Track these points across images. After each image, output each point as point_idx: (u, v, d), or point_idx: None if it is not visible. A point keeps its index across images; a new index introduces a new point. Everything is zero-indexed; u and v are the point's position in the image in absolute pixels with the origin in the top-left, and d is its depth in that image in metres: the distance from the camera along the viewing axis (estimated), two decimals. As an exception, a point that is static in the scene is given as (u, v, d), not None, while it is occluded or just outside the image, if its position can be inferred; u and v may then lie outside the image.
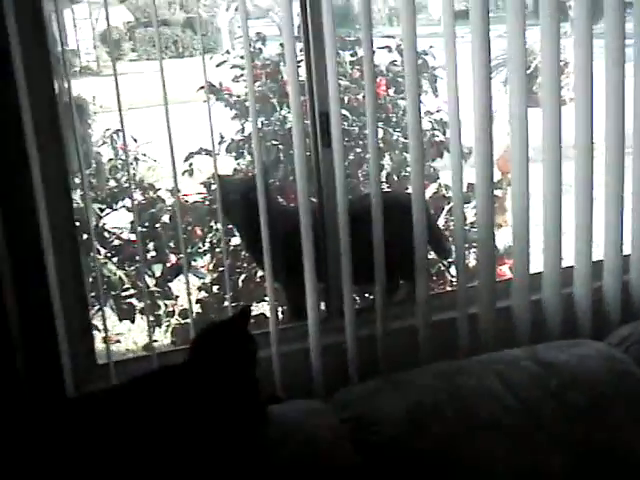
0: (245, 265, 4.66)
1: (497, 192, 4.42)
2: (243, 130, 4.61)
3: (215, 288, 4.65)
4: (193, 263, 4.60)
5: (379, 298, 3.61)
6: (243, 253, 4.60)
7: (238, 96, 4.64)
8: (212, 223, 4.60)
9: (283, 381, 3.50)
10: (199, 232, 4.62)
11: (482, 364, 3.29)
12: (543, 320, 3.88)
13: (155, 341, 4.33)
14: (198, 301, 4.59)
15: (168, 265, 4.53)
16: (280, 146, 4.55)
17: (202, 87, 4.19)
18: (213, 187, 4.42)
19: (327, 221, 3.66)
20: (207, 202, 4.59)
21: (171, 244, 4.54)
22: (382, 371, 3.57)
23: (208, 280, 4.67)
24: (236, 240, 4.57)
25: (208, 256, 4.72)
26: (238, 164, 4.66)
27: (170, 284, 4.61)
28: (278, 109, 4.61)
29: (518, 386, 3.13)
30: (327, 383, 3.54)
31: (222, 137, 4.60)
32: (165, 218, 4.55)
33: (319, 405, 3.17)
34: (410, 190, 3.66)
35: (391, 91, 4.78)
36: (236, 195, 3.88)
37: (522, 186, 3.60)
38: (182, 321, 4.54)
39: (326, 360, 3.55)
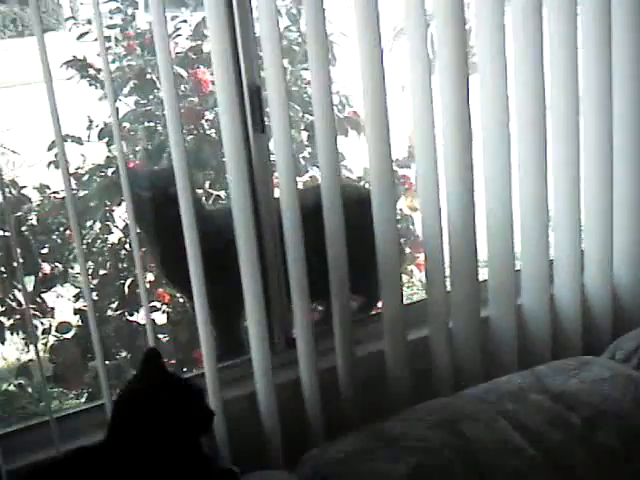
0: (131, 268, 3.48)
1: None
2: (118, 112, 3.51)
3: (95, 295, 3.46)
4: (70, 271, 3.47)
5: (341, 318, 2.57)
6: (124, 252, 3.50)
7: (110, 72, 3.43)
8: (89, 222, 3.47)
9: (229, 437, 2.44)
10: (75, 234, 3.49)
11: (484, 403, 2.33)
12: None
13: (30, 361, 3.37)
14: (77, 312, 3.43)
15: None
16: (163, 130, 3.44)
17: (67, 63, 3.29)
18: (85, 178, 3.41)
19: (264, 225, 2.57)
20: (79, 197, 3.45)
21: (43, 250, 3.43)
22: (350, 415, 2.60)
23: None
24: (114, 238, 3.48)
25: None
26: (110, 151, 3.50)
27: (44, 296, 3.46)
28: (158, 85, 3.50)
29: (536, 431, 2.22)
30: (286, 438, 2.52)
31: (91, 121, 3.42)
32: (33, 220, 3.40)
33: (286, 477, 2.21)
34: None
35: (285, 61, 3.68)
36: (149, 192, 2.75)
37: (428, 164, 2.60)
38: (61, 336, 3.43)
39: (281, 406, 2.50)
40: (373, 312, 3.03)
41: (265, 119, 2.51)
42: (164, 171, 2.73)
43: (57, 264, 3.35)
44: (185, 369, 3.30)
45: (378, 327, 2.65)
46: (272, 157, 2.60)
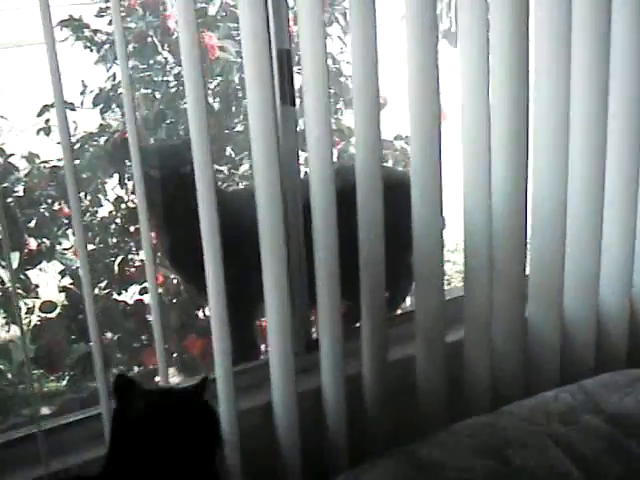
0: (122, 245, 3.07)
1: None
2: (114, 77, 3.09)
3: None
4: (58, 247, 3.03)
5: (372, 317, 2.11)
6: (114, 227, 3.08)
7: (108, 34, 3.00)
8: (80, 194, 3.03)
9: (241, 454, 2.00)
10: (66, 208, 3.07)
11: (532, 424, 1.91)
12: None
13: (11, 341, 2.98)
14: (63, 290, 3.02)
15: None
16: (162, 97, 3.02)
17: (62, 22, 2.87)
18: (77, 147, 2.94)
19: (287, 209, 2.07)
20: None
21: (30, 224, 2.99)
22: (377, 430, 2.14)
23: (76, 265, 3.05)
24: (104, 211, 3.06)
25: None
26: (104, 119, 3.07)
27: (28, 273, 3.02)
28: (160, 49, 3.08)
29: (595, 461, 1.81)
30: (306, 455, 2.08)
31: (85, 86, 3.00)
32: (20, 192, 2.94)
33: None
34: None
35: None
36: (158, 171, 2.24)
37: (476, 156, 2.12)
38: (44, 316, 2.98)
39: (300, 418, 2.05)
40: (399, 310, 2.62)
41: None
42: (176, 147, 2.30)
43: (44, 240, 2.95)
44: (174, 354, 2.96)
45: (408, 328, 2.21)
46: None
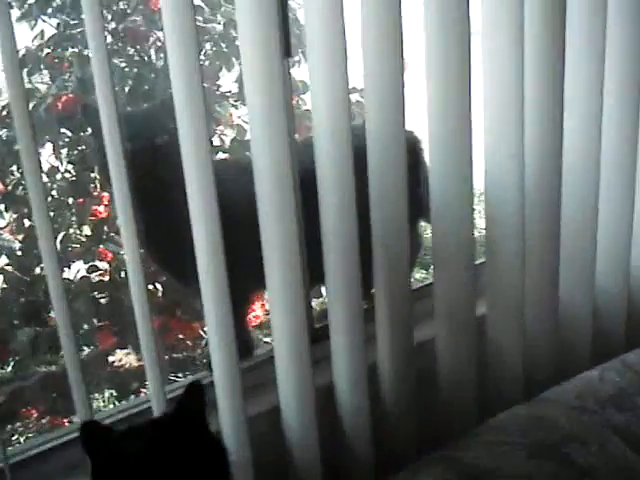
0: (60, 219, 2.54)
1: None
2: (42, 35, 2.55)
3: (19, 252, 2.53)
4: (-6, 224, 2.51)
5: (392, 293, 1.63)
6: (50, 200, 2.56)
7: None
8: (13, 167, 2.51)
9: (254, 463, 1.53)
10: (-2, 184, 2.53)
11: (584, 413, 1.50)
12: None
13: None
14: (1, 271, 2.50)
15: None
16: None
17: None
18: (4, 114, 2.38)
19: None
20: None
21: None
22: (398, 425, 1.68)
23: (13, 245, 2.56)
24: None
25: (9, 214, 2.56)
26: (31, 82, 2.53)
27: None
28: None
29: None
30: (325, 464, 1.60)
31: (7, 46, 2.49)
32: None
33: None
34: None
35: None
36: (128, 143, 1.52)
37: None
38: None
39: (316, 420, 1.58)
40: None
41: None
42: (148, 113, 1.74)
43: None
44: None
45: (424, 306, 1.75)
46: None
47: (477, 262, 1.80)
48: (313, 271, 1.62)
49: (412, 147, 1.71)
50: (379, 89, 1.51)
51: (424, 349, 1.69)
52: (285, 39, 1.50)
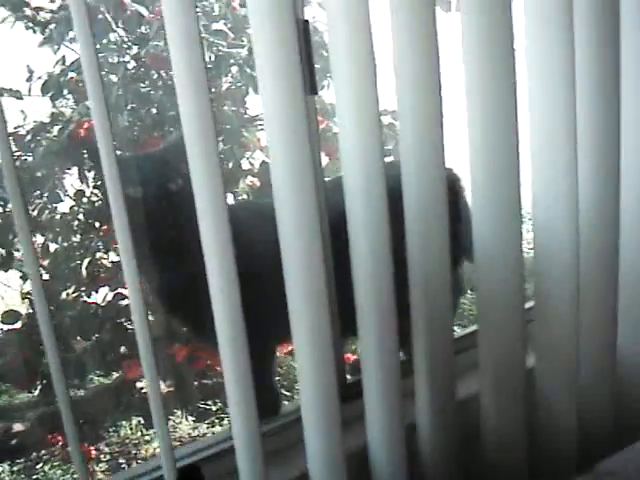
0: (86, 242, 2.35)
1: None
2: (64, 60, 2.36)
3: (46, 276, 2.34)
4: (17, 254, 2.29)
5: (434, 341, 1.39)
6: (77, 223, 2.37)
7: (53, 11, 2.26)
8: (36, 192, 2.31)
9: None
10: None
11: None
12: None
13: None
14: (26, 296, 2.31)
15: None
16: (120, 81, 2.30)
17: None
18: (28, 139, 2.26)
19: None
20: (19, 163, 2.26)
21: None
22: None
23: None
24: (64, 207, 2.34)
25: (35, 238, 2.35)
26: (55, 106, 2.35)
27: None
28: (114, 26, 2.35)
29: None
30: None
31: (31, 71, 2.26)
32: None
33: None
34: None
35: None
36: (138, 188, 1.36)
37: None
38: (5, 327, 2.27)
39: None
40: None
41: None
42: (160, 155, 1.52)
43: None
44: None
45: (467, 357, 1.51)
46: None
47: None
48: (345, 321, 1.40)
49: (452, 185, 1.47)
50: (416, 120, 1.28)
51: (467, 406, 1.45)
52: (309, 74, 1.30)
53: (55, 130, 2.32)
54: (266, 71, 1.11)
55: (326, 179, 1.53)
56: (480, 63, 1.30)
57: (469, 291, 2.05)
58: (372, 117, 1.22)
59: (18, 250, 2.34)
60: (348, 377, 1.55)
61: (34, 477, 2.46)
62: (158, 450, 2.56)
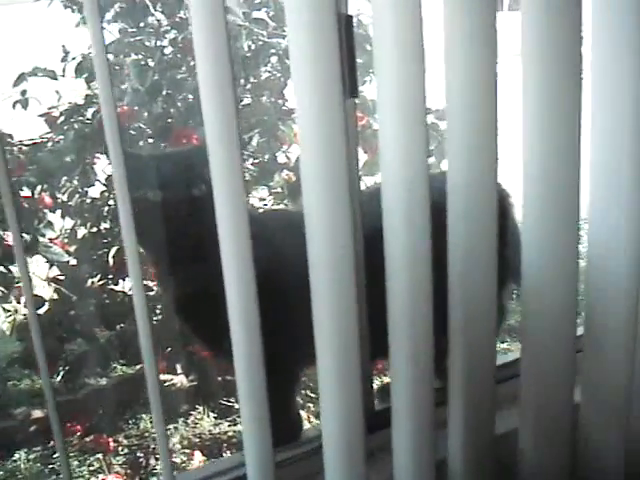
0: (119, 230, 2.29)
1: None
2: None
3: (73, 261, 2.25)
4: (41, 239, 2.19)
5: (473, 368, 1.24)
6: (107, 209, 2.25)
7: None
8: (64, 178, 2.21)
9: None
10: (47, 199, 2.22)
11: None
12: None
13: None
14: (52, 282, 2.21)
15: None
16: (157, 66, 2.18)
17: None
18: (61, 120, 2.17)
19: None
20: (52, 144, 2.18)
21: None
22: None
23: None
24: (95, 192, 2.24)
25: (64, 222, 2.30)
26: (90, 88, 2.23)
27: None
28: (152, 9, 2.23)
29: None
30: None
31: (66, 52, 2.17)
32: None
33: None
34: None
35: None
36: (157, 192, 1.23)
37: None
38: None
39: None
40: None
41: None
42: (185, 155, 1.35)
43: (23, 234, 2.14)
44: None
45: (507, 388, 1.35)
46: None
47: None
48: (375, 341, 1.26)
49: (500, 201, 1.30)
50: (467, 125, 1.13)
51: (504, 441, 1.30)
52: (350, 75, 1.16)
53: (89, 113, 2.23)
54: (301, 71, 0.98)
55: (362, 188, 1.40)
56: (542, 64, 1.15)
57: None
58: (417, 119, 1.07)
59: (43, 235, 2.26)
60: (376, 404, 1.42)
61: (50, 467, 2.38)
62: (178, 446, 2.49)
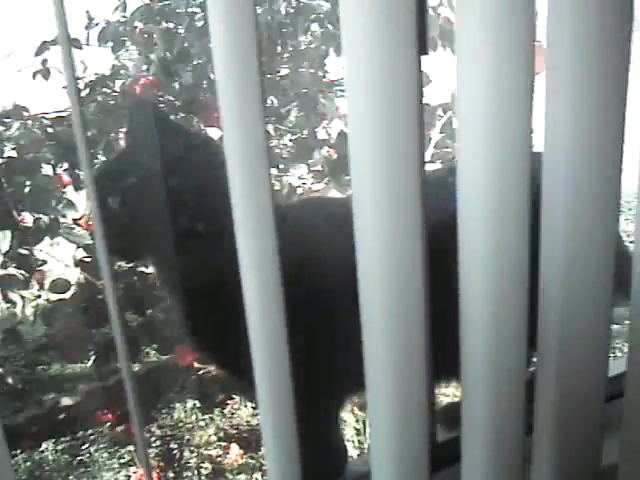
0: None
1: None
2: (124, 7, 1.96)
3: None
4: (62, 220, 1.95)
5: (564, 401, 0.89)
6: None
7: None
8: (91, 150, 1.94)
9: None
10: (65, 177, 1.96)
11: None
12: None
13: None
14: (78, 264, 1.93)
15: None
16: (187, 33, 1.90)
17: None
18: (84, 93, 1.89)
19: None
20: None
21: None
22: None
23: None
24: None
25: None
26: (117, 58, 1.99)
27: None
28: (182, -27, 1.95)
29: None
30: None
31: (91, 19, 1.91)
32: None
33: None
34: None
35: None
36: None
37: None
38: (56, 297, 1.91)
39: None
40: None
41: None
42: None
43: (41, 215, 1.87)
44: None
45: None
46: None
47: None
48: (439, 359, 0.93)
49: None
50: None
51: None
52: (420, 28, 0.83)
53: (117, 85, 1.96)
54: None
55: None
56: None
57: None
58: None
59: (64, 216, 1.99)
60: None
61: (78, 458, 2.14)
62: (213, 438, 2.23)
